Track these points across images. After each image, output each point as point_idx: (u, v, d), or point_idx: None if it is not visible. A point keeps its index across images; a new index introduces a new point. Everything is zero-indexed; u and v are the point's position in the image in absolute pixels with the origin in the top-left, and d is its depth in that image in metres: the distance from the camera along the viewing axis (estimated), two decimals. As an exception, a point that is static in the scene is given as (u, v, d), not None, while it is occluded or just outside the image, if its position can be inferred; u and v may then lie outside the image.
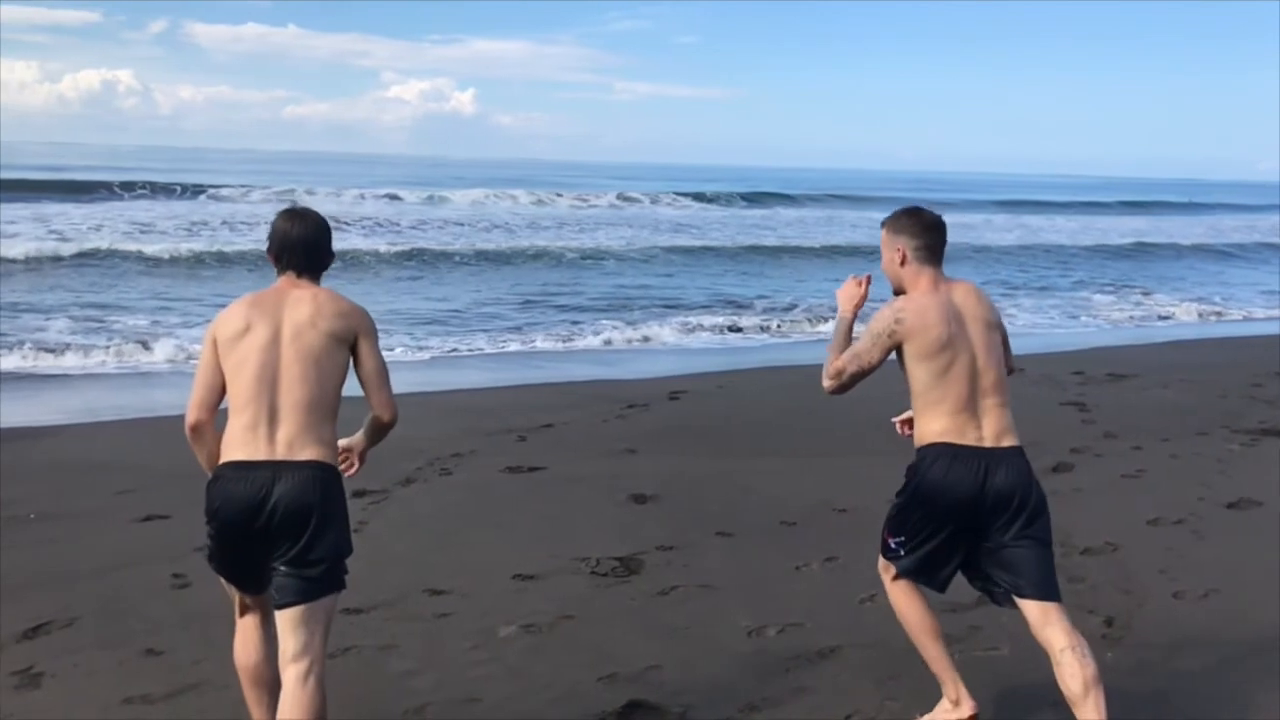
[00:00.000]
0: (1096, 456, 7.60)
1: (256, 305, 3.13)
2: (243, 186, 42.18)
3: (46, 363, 11.92)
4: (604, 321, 15.92)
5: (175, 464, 6.94)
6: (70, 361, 12.01)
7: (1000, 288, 22.08)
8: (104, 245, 21.82)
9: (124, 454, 7.78)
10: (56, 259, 19.97)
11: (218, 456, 3.06)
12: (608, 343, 14.42)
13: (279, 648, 3.03)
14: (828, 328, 16.16)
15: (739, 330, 15.82)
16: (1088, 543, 5.61)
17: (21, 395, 10.63)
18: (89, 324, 14.23)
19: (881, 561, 3.59)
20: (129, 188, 38.82)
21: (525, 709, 3.84)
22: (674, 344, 14.60)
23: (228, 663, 4.08)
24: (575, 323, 15.74)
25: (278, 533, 2.97)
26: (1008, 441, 3.35)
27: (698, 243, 27.91)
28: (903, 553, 3.44)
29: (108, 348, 12.59)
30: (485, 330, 15.03)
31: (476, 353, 13.39)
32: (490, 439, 8.03)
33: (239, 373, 3.04)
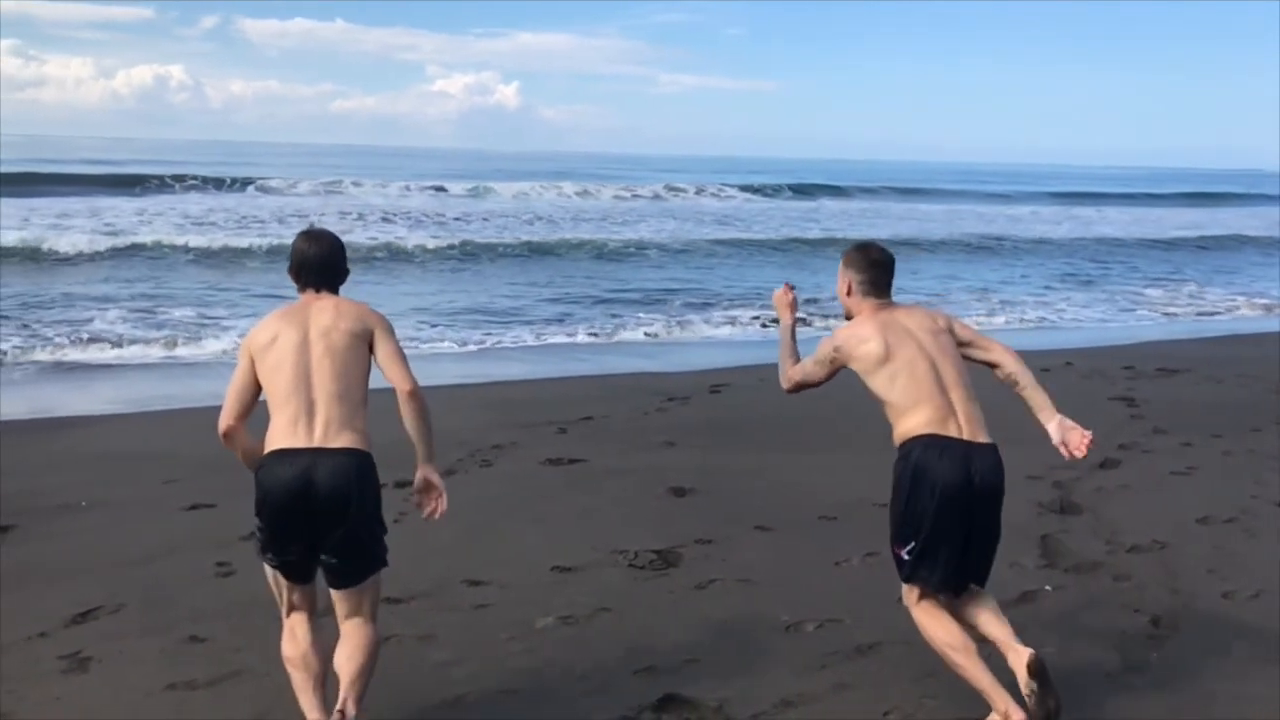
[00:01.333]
0: (1145, 452, 7.46)
1: (283, 317, 3.47)
2: (291, 179, 42.68)
3: (97, 354, 12.17)
4: (646, 314, 15.93)
5: (221, 454, 6.96)
6: (120, 353, 12.24)
7: (1049, 280, 21.78)
8: (154, 238, 22.21)
9: (171, 444, 7.90)
10: (108, 252, 20.34)
11: (252, 451, 3.38)
12: (650, 335, 14.42)
13: (337, 615, 3.40)
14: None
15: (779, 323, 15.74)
16: (1135, 540, 5.51)
17: (74, 385, 10.85)
18: (139, 315, 14.48)
19: (904, 590, 3.62)
20: (180, 180, 39.42)
21: (561, 700, 3.85)
22: (715, 337, 14.57)
23: (269, 650, 4.14)
24: (617, 315, 15.75)
25: (322, 514, 3.22)
26: (983, 438, 3.55)
27: (741, 235, 27.82)
28: (916, 559, 3.50)
29: (157, 339, 12.82)
30: (528, 322, 15.09)
31: (519, 345, 13.45)
32: (530, 431, 8.06)
33: (276, 374, 3.34)
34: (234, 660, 4.10)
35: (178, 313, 14.76)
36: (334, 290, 3.56)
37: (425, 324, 14.61)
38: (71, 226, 23.80)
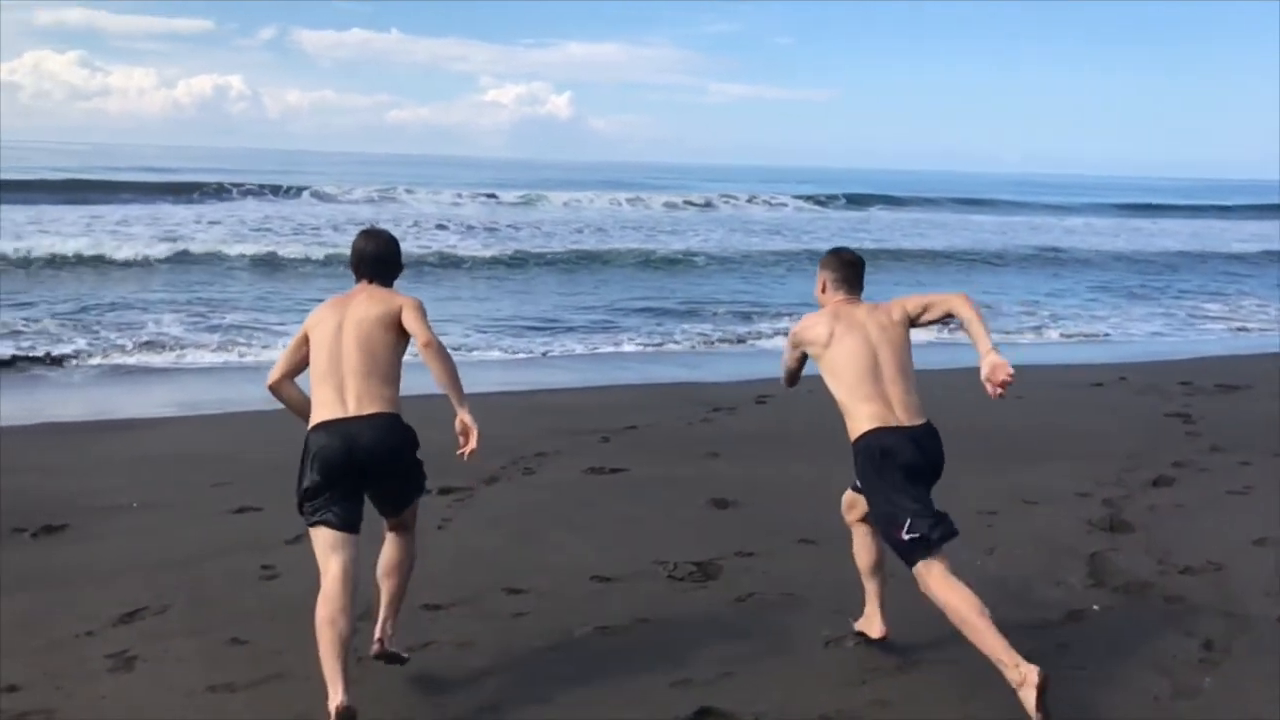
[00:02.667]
0: (1201, 471, 7.28)
1: (332, 304, 3.96)
2: (345, 186, 43.30)
3: (154, 358, 12.42)
4: (692, 324, 15.91)
5: (270, 457, 7.15)
6: (176, 357, 12.48)
7: (1104, 294, 21.41)
8: (212, 245, 22.64)
9: (222, 446, 8.03)
10: (167, 258, 20.76)
11: (297, 401, 3.96)
12: (697, 345, 14.39)
13: (385, 527, 3.99)
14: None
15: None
16: (1188, 561, 5.37)
17: (130, 388, 11.08)
18: (195, 320, 14.75)
19: (918, 572, 3.82)
20: (237, 187, 40.11)
21: (597, 711, 3.83)
22: (762, 347, 14.49)
23: (309, 655, 4.17)
24: (664, 324, 15.75)
25: (370, 468, 3.73)
26: (920, 420, 3.92)
27: (791, 245, 27.69)
28: (914, 525, 3.76)
29: (212, 344, 13.06)
30: (575, 331, 15.13)
31: (566, 353, 13.49)
32: (574, 439, 8.07)
33: (316, 355, 3.85)
34: (274, 663, 4.13)
35: (232, 317, 15.02)
36: (386, 283, 3.99)
37: (474, 331, 14.72)
38: (132, 234, 24.33)
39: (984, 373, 3.93)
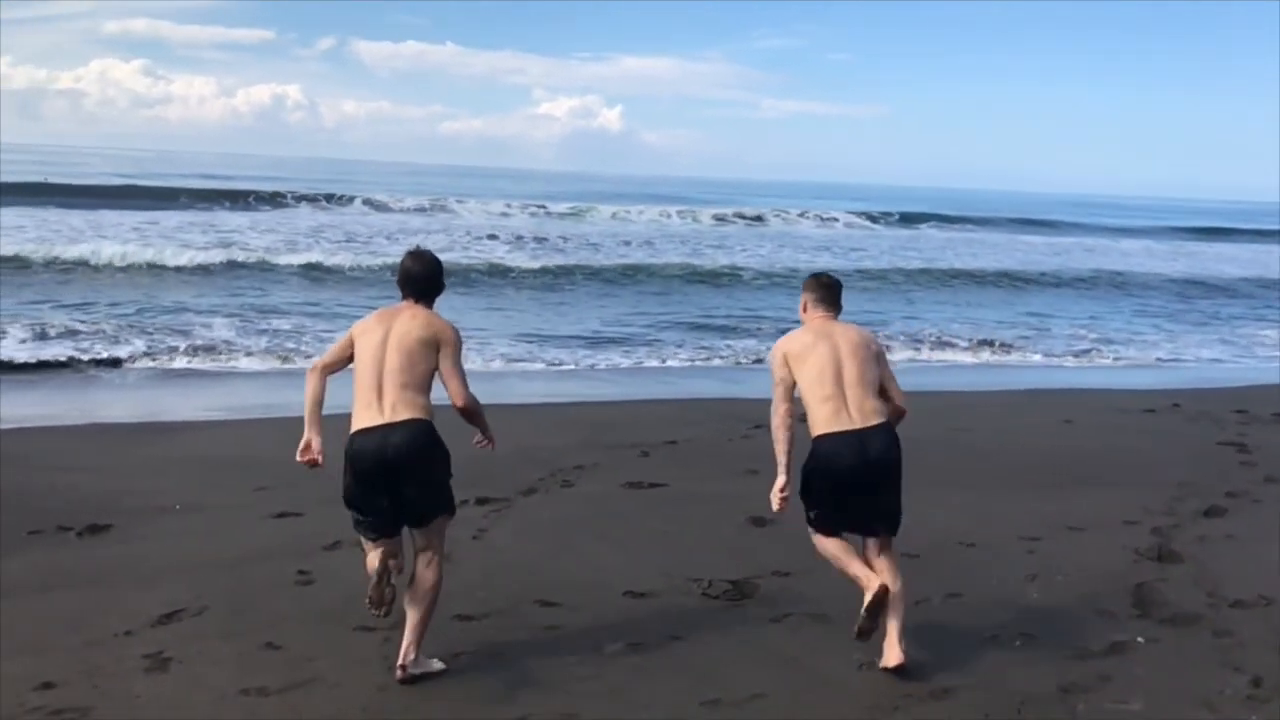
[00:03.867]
0: (1255, 502, 7.08)
1: (379, 317, 4.28)
2: (398, 196, 43.81)
3: (203, 362, 12.62)
4: (737, 339, 15.85)
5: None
6: (224, 362, 12.68)
7: (1158, 318, 21.03)
8: (264, 252, 22.98)
9: (266, 451, 8.09)
10: (220, 264, 21.11)
11: (318, 395, 4.20)
12: (741, 361, 14.33)
13: (414, 549, 4.16)
14: (950, 355, 15.66)
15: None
16: (1239, 595, 5.21)
17: (179, 391, 11.27)
18: (244, 325, 14.97)
19: (811, 533, 4.45)
20: (292, 196, 40.73)
21: (624, 729, 3.79)
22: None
23: (341, 661, 4.22)
24: (708, 339, 15.71)
25: (397, 470, 4.01)
26: (874, 420, 4.25)
27: (840, 262, 27.49)
28: (816, 519, 4.36)
29: (260, 350, 13.25)
30: (619, 344, 15.14)
31: (611, 367, 13.50)
32: (613, 453, 8.05)
33: (359, 363, 4.17)
34: (307, 669, 4.15)
35: (280, 323, 15.23)
36: (429, 301, 4.30)
37: (518, 342, 14.79)
38: (189, 240, 24.80)
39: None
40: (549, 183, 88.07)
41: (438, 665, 4.16)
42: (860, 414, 4.23)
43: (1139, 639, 4.67)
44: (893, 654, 4.19)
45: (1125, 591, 5.24)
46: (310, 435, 4.17)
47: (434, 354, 4.14)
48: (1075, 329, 18.75)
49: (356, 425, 4.07)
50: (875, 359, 4.39)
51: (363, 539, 4.19)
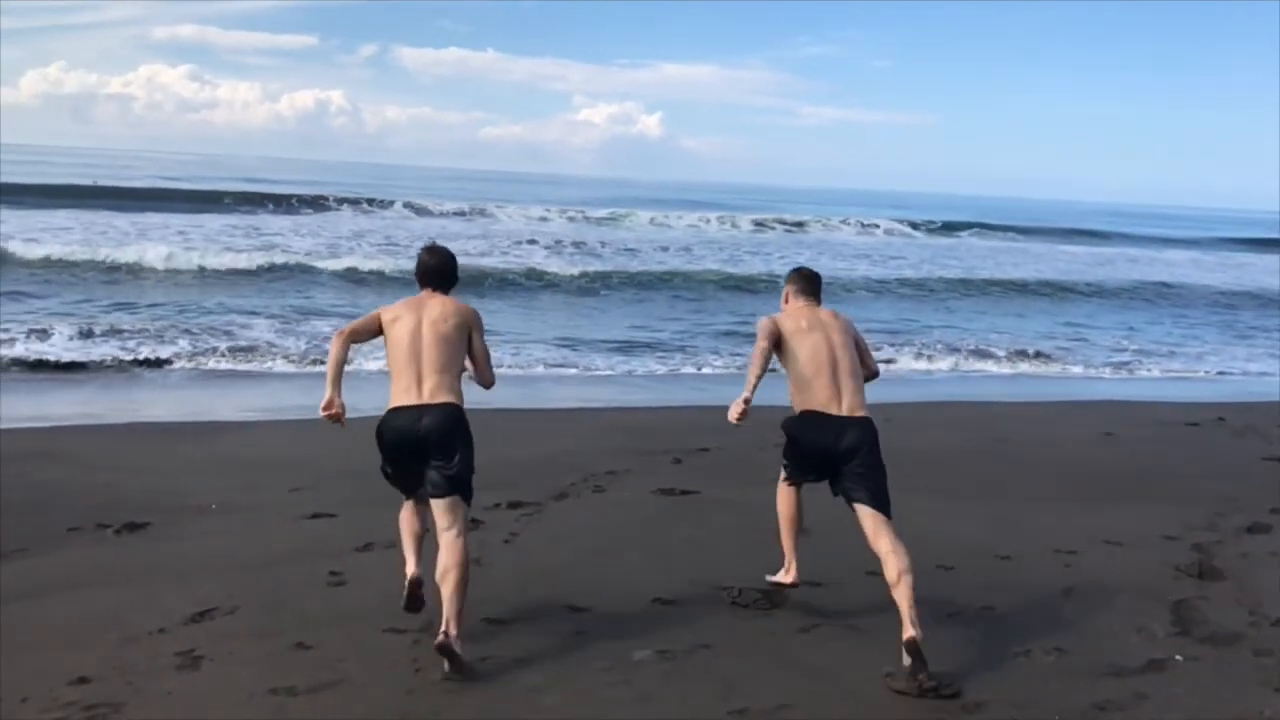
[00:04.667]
0: (1300, 519, 6.93)
1: (406, 305, 4.60)
2: (438, 201, 44.16)
3: (243, 363, 12.78)
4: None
5: (349, 465, 7.26)
6: (264, 363, 12.83)
7: (1203, 329, 20.68)
8: (306, 255, 23.23)
9: (302, 452, 8.19)
10: (262, 268, 21.35)
11: (341, 360, 4.49)
12: (777, 368, 14.26)
13: (436, 526, 4.42)
14: (989, 365, 15.48)
15: (891, 361, 15.38)
16: (1282, 613, 5.10)
17: (219, 392, 11.41)
18: (284, 328, 15.14)
19: (780, 481, 5.03)
20: (334, 200, 41.17)
21: (650, 736, 3.78)
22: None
23: (370, 662, 4.24)
24: (744, 346, 15.64)
25: (429, 446, 4.36)
26: (860, 413, 4.68)
27: (878, 270, 27.34)
28: (788, 471, 4.97)
29: (298, 351, 13.38)
30: (654, 350, 15.14)
31: (647, 373, 13.49)
32: (646, 459, 8.04)
33: (396, 349, 4.46)
34: (336, 670, 4.17)
35: (319, 324, 15.37)
36: (445, 291, 4.67)
37: (553, 347, 14.83)
38: (232, 243, 25.13)
39: None
40: (587, 188, 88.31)
41: (460, 654, 4.21)
42: (850, 406, 4.68)
43: (1177, 657, 4.58)
44: (906, 630, 4.27)
45: (1164, 608, 5.15)
46: (331, 394, 4.43)
47: (466, 337, 4.57)
48: (1117, 340, 18.50)
49: (395, 403, 4.42)
50: (855, 344, 4.87)
51: (402, 504, 4.68)
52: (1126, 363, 16.15)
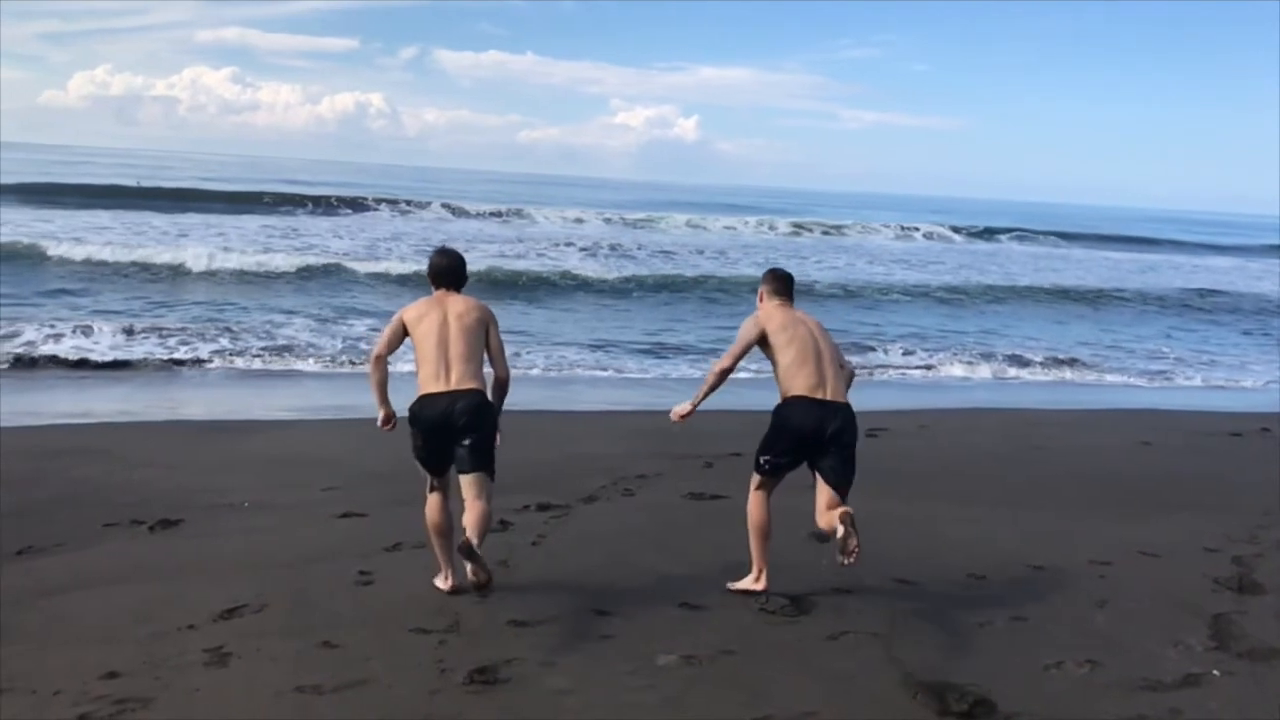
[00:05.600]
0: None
1: (428, 303, 5.08)
2: (476, 204, 44.40)
3: (280, 363, 12.91)
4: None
5: (381, 465, 7.32)
6: (299, 363, 12.94)
7: (1252, 339, 20.30)
8: (343, 257, 23.44)
9: (335, 451, 8.26)
10: (300, 269, 21.56)
11: (384, 381, 5.01)
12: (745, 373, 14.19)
13: (464, 496, 4.87)
14: (1026, 371, 15.30)
15: (938, 368, 15.24)
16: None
17: (256, 391, 11.53)
18: (321, 328, 15.27)
19: (753, 478, 5.24)
20: (373, 201, 41.52)
21: (674, 742, 3.75)
22: (880, 379, 14.20)
23: (396, 662, 4.25)
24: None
25: (459, 428, 4.83)
26: (841, 399, 5.10)
27: (915, 276, 27.13)
28: (766, 468, 5.17)
29: (333, 352, 13.48)
30: (687, 354, 15.11)
31: (680, 377, 13.46)
32: (677, 463, 8.02)
33: (424, 342, 4.93)
34: (361, 669, 4.18)
35: (356, 324, 15.49)
36: (458, 289, 5.15)
37: (586, 350, 14.84)
38: (271, 243, 25.41)
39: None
40: (624, 191, 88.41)
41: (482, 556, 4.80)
42: (834, 393, 5.09)
43: (1214, 672, 4.48)
44: (839, 513, 4.85)
45: (1202, 622, 5.04)
46: (385, 411, 5.04)
47: (485, 331, 5.04)
48: (1157, 347, 18.23)
49: (424, 392, 4.89)
50: (831, 339, 5.32)
51: (427, 481, 5.03)
52: (1166, 370, 15.91)
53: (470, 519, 4.77)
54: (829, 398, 5.05)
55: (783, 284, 5.46)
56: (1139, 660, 4.57)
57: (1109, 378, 15.26)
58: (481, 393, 4.90)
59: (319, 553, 5.68)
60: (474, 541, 4.67)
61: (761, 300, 5.44)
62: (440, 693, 4.03)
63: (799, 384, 5.07)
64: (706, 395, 5.27)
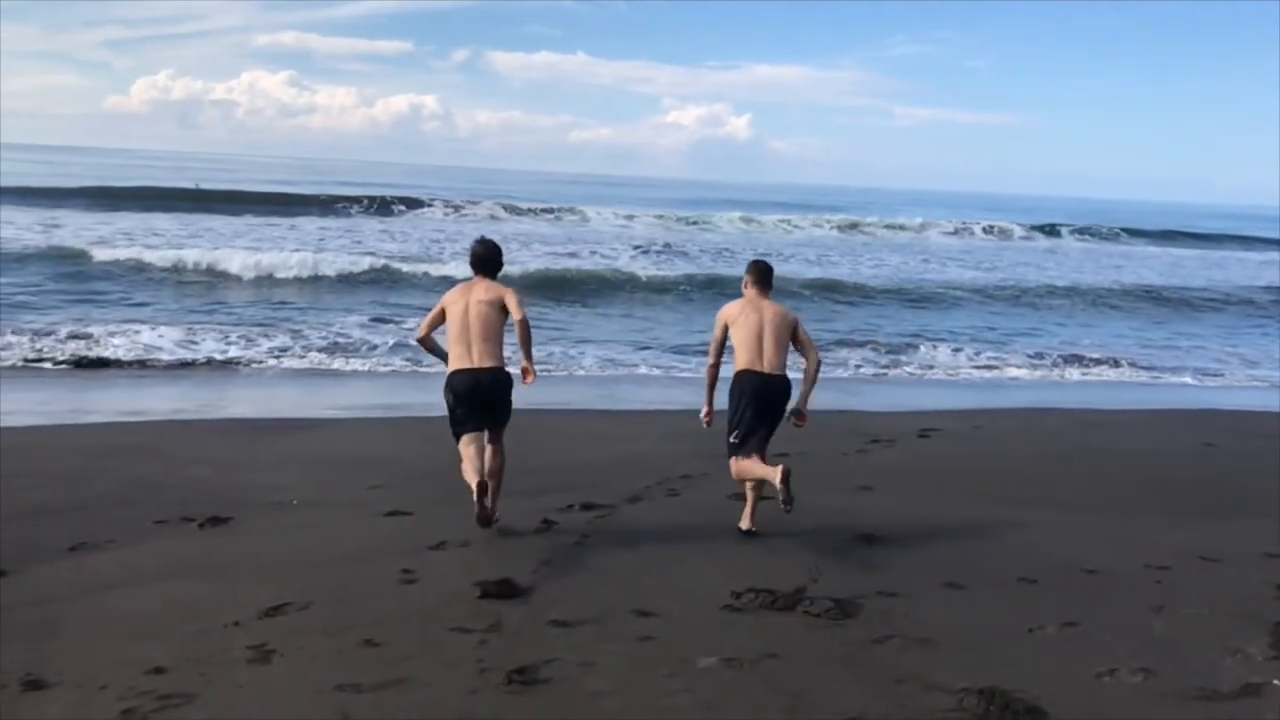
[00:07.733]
0: None
1: (460, 290, 6.09)
2: (527, 203, 44.65)
3: (334, 362, 13.05)
4: (857, 351, 15.53)
5: (427, 464, 7.35)
6: (352, 363, 13.06)
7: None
8: (396, 257, 23.66)
9: (383, 450, 8.32)
10: (354, 269, 21.79)
11: (438, 347, 6.20)
12: (861, 373, 14.03)
13: (487, 443, 5.97)
14: (1084, 371, 14.97)
15: (995, 368, 14.99)
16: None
17: (308, 389, 11.66)
18: (373, 327, 15.42)
19: (730, 461, 6.21)
20: (428, 201, 41.90)
21: (713, 746, 3.69)
22: (930, 379, 14.00)
23: (436, 661, 4.25)
24: (829, 350, 15.43)
25: (485, 397, 5.91)
26: (778, 372, 6.11)
27: (969, 275, 26.73)
28: (737, 440, 6.09)
29: (385, 351, 13.61)
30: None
31: (725, 376, 13.36)
32: (723, 463, 7.90)
33: (452, 325, 5.95)
34: (401, 668, 4.19)
35: (408, 323, 15.61)
36: (492, 275, 6.11)
37: (632, 349, 14.81)
38: (325, 244, 25.74)
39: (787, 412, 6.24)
40: (675, 190, 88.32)
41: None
42: (770, 366, 6.09)
43: (1275, 681, 4.33)
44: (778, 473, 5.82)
45: (1262, 630, 4.87)
46: (443, 354, 6.14)
47: (502, 310, 5.92)
48: (1221, 346, 17.76)
49: (453, 368, 5.93)
50: (788, 328, 6.18)
51: (460, 439, 5.95)
52: (1231, 371, 15.49)
53: (489, 468, 5.85)
54: (765, 369, 6.06)
55: (761, 276, 6.32)
56: (1196, 669, 4.43)
57: (1171, 378, 14.90)
58: (499, 369, 5.92)
59: (364, 551, 5.71)
60: (490, 484, 5.76)
61: (745, 287, 6.34)
62: (479, 693, 4.02)
63: (742, 359, 6.08)
64: (710, 393, 6.31)
